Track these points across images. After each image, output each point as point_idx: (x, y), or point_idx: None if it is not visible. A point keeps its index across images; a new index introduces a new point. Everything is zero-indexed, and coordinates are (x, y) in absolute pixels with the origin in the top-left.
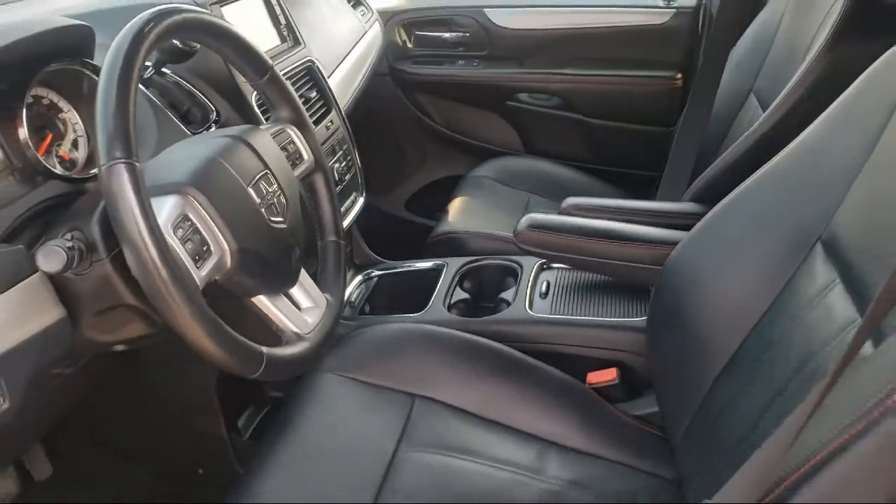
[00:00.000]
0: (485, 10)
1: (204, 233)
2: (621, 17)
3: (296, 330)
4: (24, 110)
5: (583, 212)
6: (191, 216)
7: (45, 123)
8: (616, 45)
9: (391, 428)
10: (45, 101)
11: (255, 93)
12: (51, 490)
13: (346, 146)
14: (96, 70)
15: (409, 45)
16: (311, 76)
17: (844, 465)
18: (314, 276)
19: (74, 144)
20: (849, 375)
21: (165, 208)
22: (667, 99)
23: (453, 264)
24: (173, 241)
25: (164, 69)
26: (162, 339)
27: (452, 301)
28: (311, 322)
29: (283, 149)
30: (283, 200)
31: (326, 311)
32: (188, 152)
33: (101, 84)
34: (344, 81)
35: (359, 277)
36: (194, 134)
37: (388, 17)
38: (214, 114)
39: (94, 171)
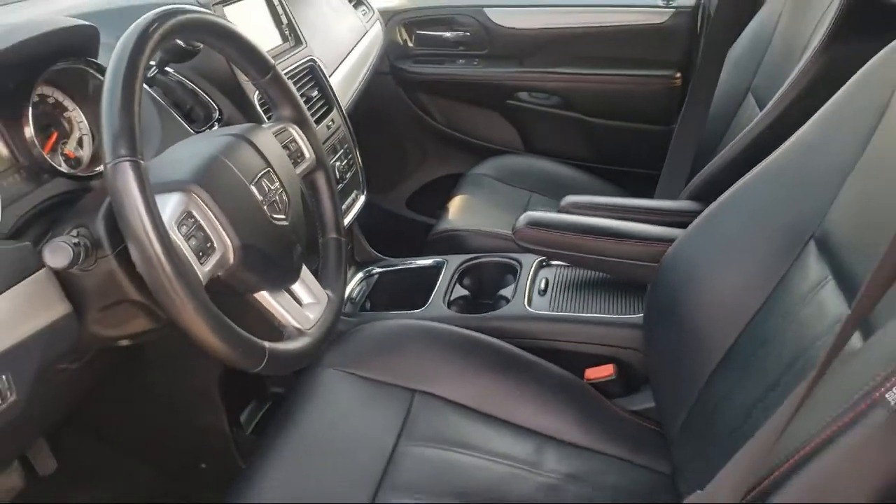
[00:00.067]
0: (485, 9)
1: (207, 229)
2: (620, 17)
3: (297, 325)
4: (30, 109)
5: (581, 210)
6: (194, 213)
7: (51, 122)
8: (615, 45)
9: (391, 422)
10: (51, 100)
11: (257, 92)
12: (54, 485)
13: (347, 145)
14: (101, 69)
15: (410, 45)
16: (312, 75)
17: (832, 456)
18: (315, 273)
19: (79, 143)
20: (838, 369)
21: (169, 205)
22: (666, 98)
23: (453, 262)
24: (177, 238)
25: (167, 68)
26: (166, 336)
27: (452, 298)
28: (313, 318)
29: (285, 147)
30: (285, 198)
31: (327, 306)
32: (192, 150)
33: (107, 83)
34: (345, 80)
35: (360, 274)
36: (197, 132)
37: (389, 16)
38: (217, 112)
39: (99, 168)
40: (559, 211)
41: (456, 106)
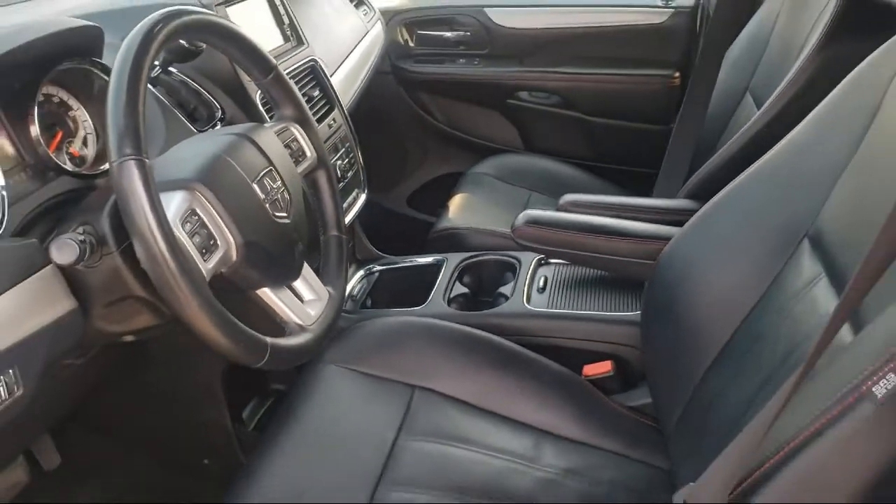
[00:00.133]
0: (485, 9)
1: (210, 227)
2: (620, 17)
3: (299, 321)
4: (36, 108)
5: (580, 208)
6: (198, 211)
7: (56, 121)
8: (615, 44)
9: (391, 418)
10: (56, 100)
11: (259, 91)
12: (59, 480)
13: (348, 144)
14: (105, 69)
15: (411, 44)
16: (314, 75)
17: (821, 448)
18: (317, 270)
19: (84, 142)
20: (829, 363)
21: (174, 203)
22: (665, 97)
23: (453, 259)
24: (181, 235)
25: (170, 68)
26: (169, 333)
27: (452, 295)
28: (314, 314)
29: (287, 146)
30: (287, 196)
31: (328, 303)
32: (195, 149)
33: (112, 83)
34: (346, 80)
35: (361, 272)
36: (200, 132)
37: (390, 16)
38: (220, 112)
39: (104, 167)
40: (558, 209)
41: (456, 105)
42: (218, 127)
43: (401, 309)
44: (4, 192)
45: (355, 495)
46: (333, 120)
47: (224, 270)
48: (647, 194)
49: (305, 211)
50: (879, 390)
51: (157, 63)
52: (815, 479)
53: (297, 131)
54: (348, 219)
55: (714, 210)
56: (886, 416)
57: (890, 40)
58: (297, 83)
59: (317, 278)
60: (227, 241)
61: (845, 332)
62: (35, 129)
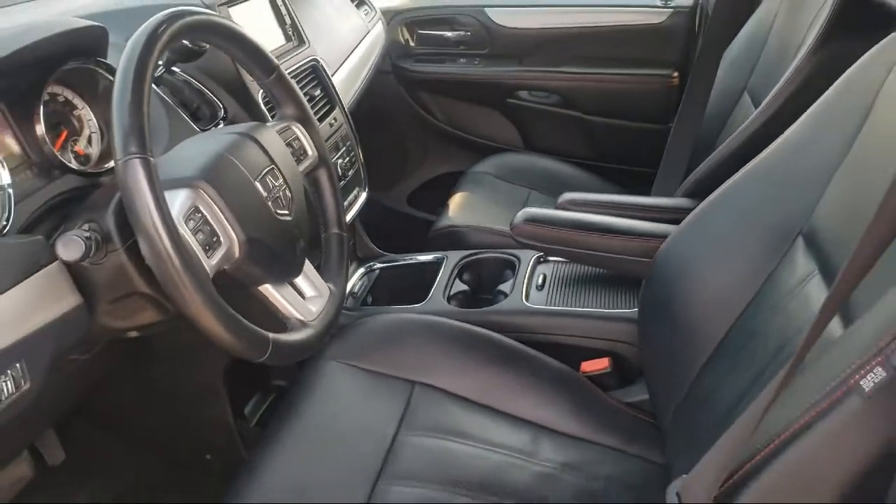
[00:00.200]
0: (486, 9)
1: (214, 224)
2: (619, 17)
3: (300, 317)
4: (41, 107)
5: (578, 206)
6: (201, 208)
7: (61, 120)
8: (614, 44)
9: (391, 413)
10: (61, 99)
11: (261, 91)
12: (63, 475)
13: (349, 142)
14: (109, 69)
15: (412, 44)
16: (315, 74)
17: (810, 441)
18: (318, 267)
19: (89, 140)
20: (819, 357)
21: (178, 201)
22: (664, 97)
23: (453, 257)
24: (185, 232)
25: (174, 68)
26: (172, 329)
27: (452, 293)
28: (315, 310)
29: (289, 145)
30: (289, 194)
31: (329, 299)
32: (198, 148)
33: (118, 83)
34: (347, 79)
35: (361, 270)
36: (203, 131)
37: (390, 16)
38: (222, 111)
39: (108, 165)
40: (556, 208)
41: (457, 104)
42: (221, 126)
43: (401, 306)
44: (11, 190)
45: (356, 490)
46: (334, 119)
47: (227, 267)
48: (646, 193)
49: (307, 209)
50: (867, 384)
51: (160, 63)
52: (805, 472)
53: (298, 130)
54: (349, 217)
55: (710, 208)
56: (874, 410)
57: (882, 41)
58: (298, 83)
59: (318, 275)
60: (230, 238)
61: (835, 327)
62: (41, 128)
